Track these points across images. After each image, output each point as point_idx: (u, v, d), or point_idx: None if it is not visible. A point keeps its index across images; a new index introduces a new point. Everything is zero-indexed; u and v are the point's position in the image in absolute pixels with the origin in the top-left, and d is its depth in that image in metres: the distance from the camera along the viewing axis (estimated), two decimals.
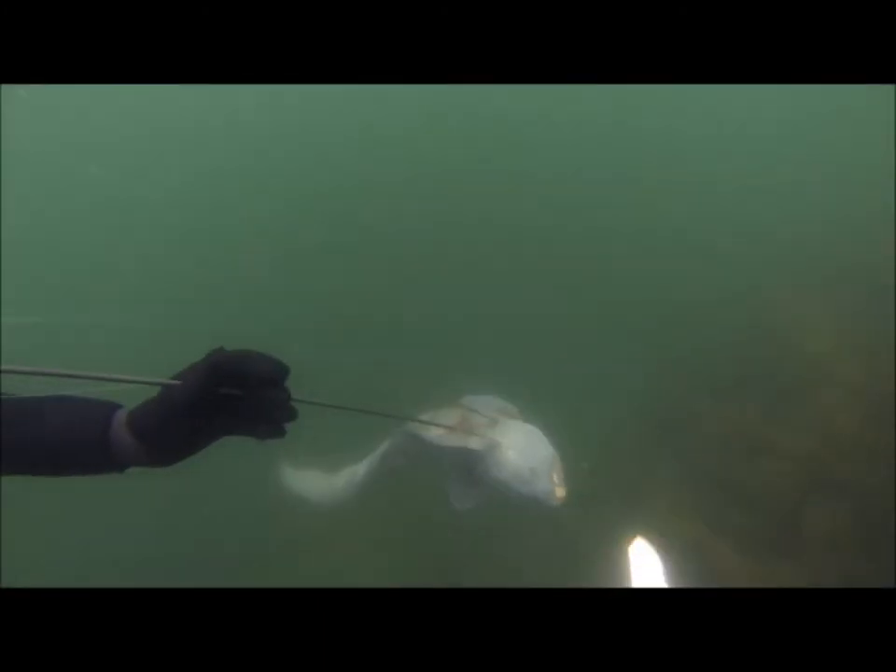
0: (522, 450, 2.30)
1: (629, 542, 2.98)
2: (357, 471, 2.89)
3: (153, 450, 0.93)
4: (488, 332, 3.99)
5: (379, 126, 6.37)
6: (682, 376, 3.85)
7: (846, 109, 5.23)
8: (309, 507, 3.10)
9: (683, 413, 3.64)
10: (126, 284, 5.18)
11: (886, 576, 2.31)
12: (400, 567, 3.17)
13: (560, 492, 2.23)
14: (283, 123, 6.85)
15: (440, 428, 2.40)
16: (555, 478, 2.25)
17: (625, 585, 2.71)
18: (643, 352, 3.87)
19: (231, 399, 0.91)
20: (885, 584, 1.73)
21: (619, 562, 2.90)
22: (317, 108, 6.58)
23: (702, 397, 3.68)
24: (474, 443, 2.38)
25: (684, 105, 5.89)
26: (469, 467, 2.42)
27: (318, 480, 3.14)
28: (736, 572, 2.81)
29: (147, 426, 0.93)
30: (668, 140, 5.93)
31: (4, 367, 0.78)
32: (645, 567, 2.82)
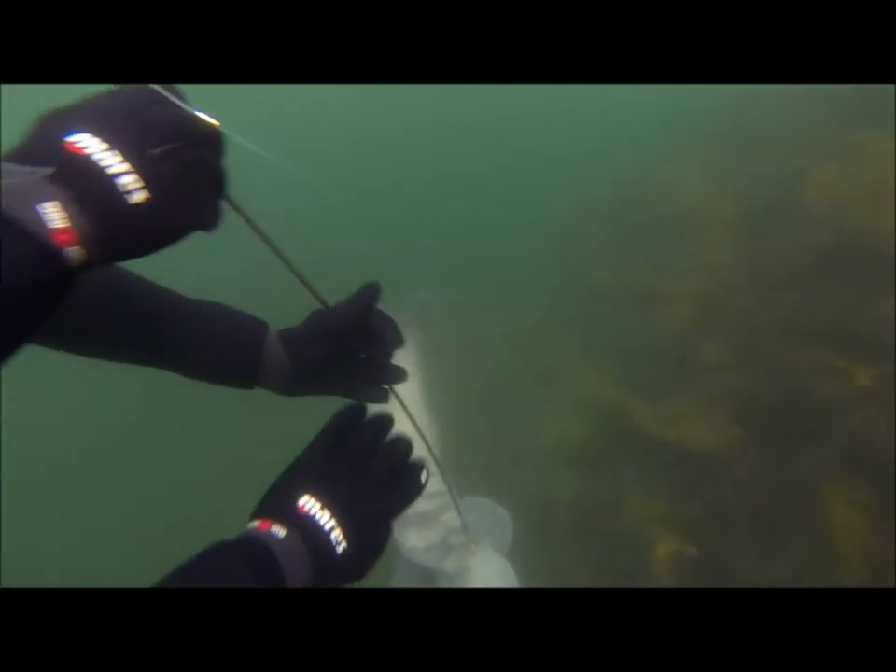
0: (502, 580, 2.22)
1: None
2: None
3: (300, 371, 0.93)
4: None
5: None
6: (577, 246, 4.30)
7: None
8: None
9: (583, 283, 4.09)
10: None
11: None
12: None
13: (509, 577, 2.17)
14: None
15: (417, 539, 2.33)
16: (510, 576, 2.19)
17: None
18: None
19: (362, 349, 0.92)
20: (885, 584, 1.72)
21: None
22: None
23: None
24: (448, 565, 2.30)
25: None
26: (430, 580, 2.36)
27: None
28: (648, 419, 3.00)
29: (299, 345, 0.93)
30: None
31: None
32: None
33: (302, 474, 0.78)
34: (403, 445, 0.87)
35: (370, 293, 0.93)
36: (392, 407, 0.98)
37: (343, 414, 0.84)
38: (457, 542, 2.32)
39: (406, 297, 3.39)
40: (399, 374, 0.97)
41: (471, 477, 2.29)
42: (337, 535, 0.73)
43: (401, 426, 0.91)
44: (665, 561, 2.49)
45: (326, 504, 0.74)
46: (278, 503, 0.75)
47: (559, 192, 4.67)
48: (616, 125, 5.05)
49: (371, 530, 0.78)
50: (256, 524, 0.73)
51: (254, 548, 0.71)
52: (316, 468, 0.78)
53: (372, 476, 0.80)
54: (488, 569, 2.27)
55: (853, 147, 3.62)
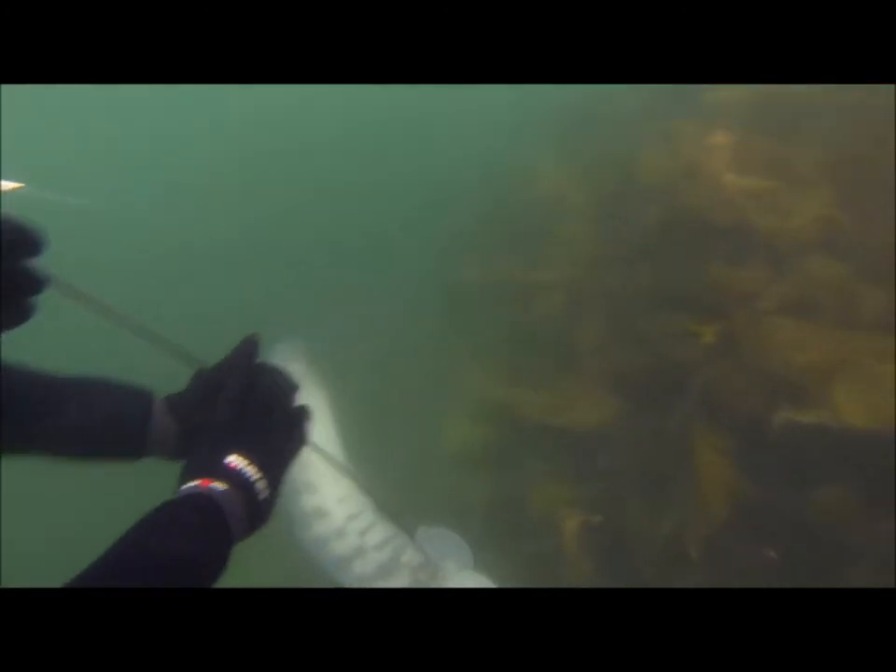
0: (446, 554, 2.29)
1: None
2: None
3: (188, 435, 0.96)
4: None
5: None
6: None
7: None
8: None
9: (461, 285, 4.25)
10: None
11: None
12: None
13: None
14: None
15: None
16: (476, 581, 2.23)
17: None
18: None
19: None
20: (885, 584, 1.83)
21: None
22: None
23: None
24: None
25: None
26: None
27: None
28: (539, 410, 3.20)
29: (186, 409, 0.96)
30: None
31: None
32: None
33: (221, 435, 0.92)
34: (292, 393, 1.00)
35: (248, 347, 0.96)
36: (311, 450, 1.04)
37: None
38: (425, 577, 2.37)
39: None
40: (304, 414, 1.00)
41: (385, 494, 2.38)
42: (260, 485, 0.89)
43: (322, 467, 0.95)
44: (573, 534, 2.69)
45: (251, 460, 0.89)
46: (211, 463, 0.89)
47: (427, 195, 4.81)
48: (476, 127, 5.22)
49: (280, 479, 0.93)
50: (196, 482, 0.86)
51: (200, 498, 0.85)
52: (230, 429, 0.92)
53: (275, 430, 0.95)
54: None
55: (673, 132, 4.03)
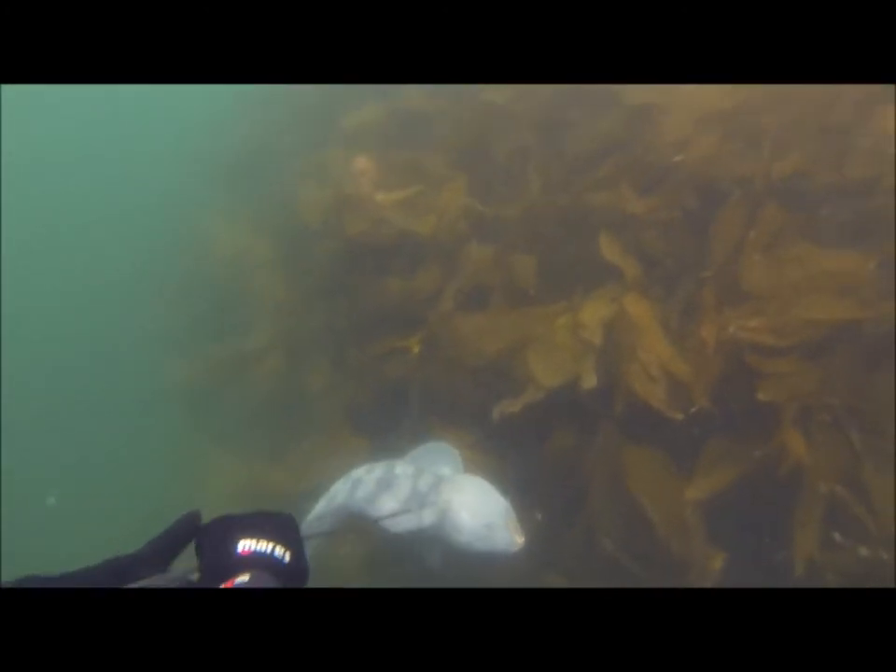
0: (474, 508, 2.30)
1: None
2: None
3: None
4: None
5: None
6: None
7: None
8: None
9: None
10: None
11: None
12: None
13: (519, 538, 2.24)
14: None
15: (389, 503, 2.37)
16: (511, 526, 2.26)
17: None
18: None
19: None
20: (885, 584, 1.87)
21: None
22: None
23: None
24: (427, 517, 2.33)
25: None
26: (428, 539, 2.38)
27: None
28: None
29: None
30: None
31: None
32: None
33: (226, 531, 0.94)
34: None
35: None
36: None
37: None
38: (424, 485, 2.39)
39: None
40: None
41: None
42: (279, 552, 0.92)
43: None
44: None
45: (258, 538, 0.92)
46: (223, 563, 0.90)
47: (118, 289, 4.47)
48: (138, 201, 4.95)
49: (297, 541, 0.97)
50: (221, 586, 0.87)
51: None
52: (230, 525, 0.95)
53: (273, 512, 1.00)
54: (466, 490, 2.36)
55: (326, 163, 4.15)
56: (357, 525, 2.62)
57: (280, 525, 0.97)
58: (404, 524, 2.36)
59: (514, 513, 2.31)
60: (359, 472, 2.61)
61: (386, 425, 3.03)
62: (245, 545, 0.91)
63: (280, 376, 3.81)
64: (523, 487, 2.55)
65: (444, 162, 3.55)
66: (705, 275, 2.51)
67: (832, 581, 2.01)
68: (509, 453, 2.73)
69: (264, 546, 0.91)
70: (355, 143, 4.14)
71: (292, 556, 0.92)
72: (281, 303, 4.01)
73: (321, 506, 2.67)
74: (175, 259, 4.95)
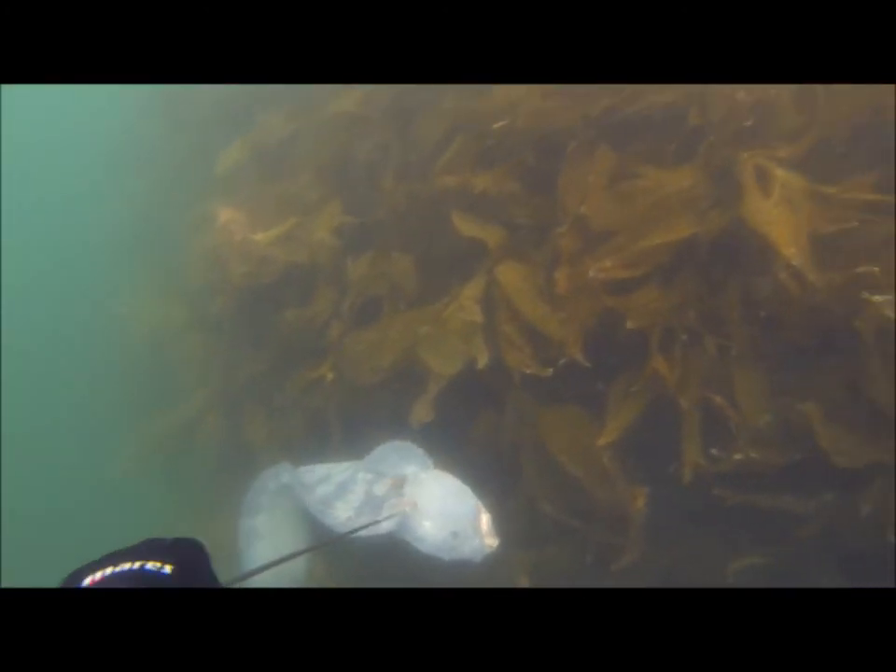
0: (439, 514, 2.13)
1: None
2: None
3: None
4: None
5: None
6: None
7: None
8: None
9: None
10: None
11: None
12: None
13: (490, 541, 2.08)
14: None
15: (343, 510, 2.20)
16: (483, 528, 2.09)
17: None
18: None
19: None
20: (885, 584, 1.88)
21: None
22: None
23: None
24: (387, 526, 2.13)
25: None
26: (388, 548, 2.21)
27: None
28: None
29: None
30: None
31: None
32: None
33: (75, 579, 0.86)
34: None
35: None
36: None
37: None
38: (381, 489, 2.22)
39: None
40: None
41: None
42: (151, 564, 0.86)
43: None
44: None
45: (117, 562, 0.86)
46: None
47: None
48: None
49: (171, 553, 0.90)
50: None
51: None
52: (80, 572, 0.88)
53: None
54: (430, 493, 2.19)
55: (205, 215, 4.13)
56: (311, 534, 2.48)
57: (153, 547, 0.92)
58: (362, 532, 2.15)
59: (485, 512, 2.16)
60: (318, 472, 2.46)
61: (322, 456, 3.07)
62: (99, 574, 0.85)
63: (223, 434, 3.83)
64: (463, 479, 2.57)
65: (312, 183, 3.55)
66: (560, 230, 2.54)
67: (717, 491, 2.08)
68: (437, 450, 2.77)
69: (126, 567, 0.85)
70: (230, 186, 4.14)
71: (174, 567, 0.87)
72: (205, 363, 4.02)
73: (251, 495, 2.55)
74: (98, 340, 4.96)
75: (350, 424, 3.04)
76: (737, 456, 2.01)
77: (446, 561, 2.12)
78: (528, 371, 2.40)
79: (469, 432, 2.78)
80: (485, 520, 2.14)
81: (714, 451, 2.05)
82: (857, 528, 1.99)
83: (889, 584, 1.88)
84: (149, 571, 0.85)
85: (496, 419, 2.71)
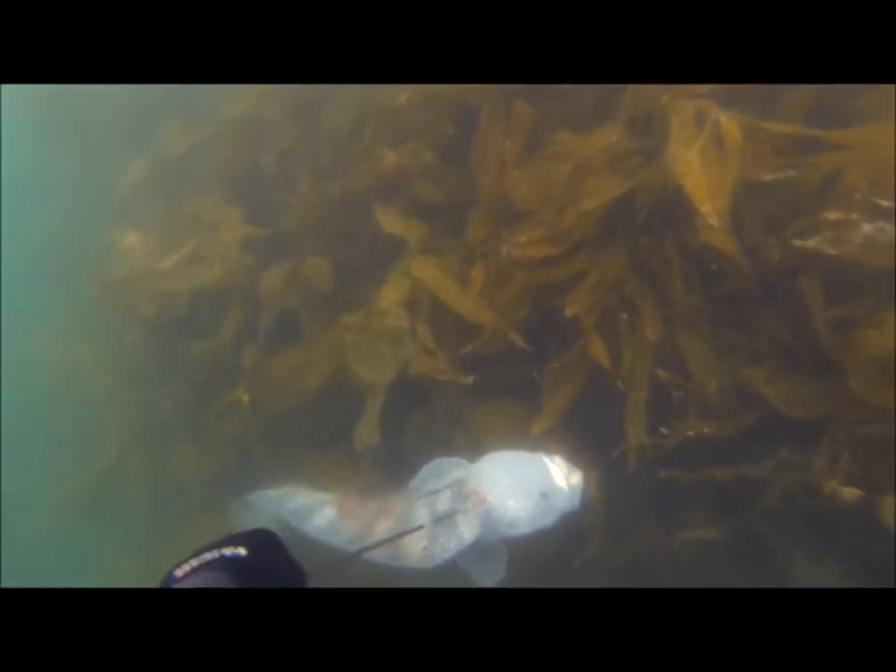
0: (516, 488, 1.91)
1: None
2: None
3: None
4: None
5: None
6: None
7: None
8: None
9: None
10: None
11: None
12: None
13: (575, 478, 1.91)
14: None
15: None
16: (563, 473, 1.91)
17: None
18: None
19: None
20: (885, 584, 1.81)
21: None
22: None
23: None
24: (469, 534, 1.88)
25: None
26: (480, 554, 1.95)
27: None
28: None
29: None
30: None
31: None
32: None
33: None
34: None
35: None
36: None
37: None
38: (445, 504, 1.97)
39: None
40: None
41: None
42: (228, 550, 0.96)
43: None
44: None
45: (200, 553, 0.96)
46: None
47: None
48: None
49: (245, 539, 1.00)
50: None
51: None
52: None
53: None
54: (493, 477, 1.97)
55: (111, 243, 3.85)
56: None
57: (229, 538, 1.00)
58: (438, 556, 1.90)
59: (550, 456, 1.97)
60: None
61: (255, 482, 2.83)
62: (184, 565, 0.92)
63: (149, 475, 3.57)
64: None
65: (216, 200, 3.32)
66: (479, 209, 2.37)
67: (668, 472, 1.94)
68: (387, 467, 2.54)
69: (208, 557, 0.94)
70: (131, 209, 3.89)
71: (249, 550, 0.97)
72: (123, 401, 3.74)
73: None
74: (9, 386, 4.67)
75: (278, 448, 2.81)
76: (689, 433, 1.86)
77: (548, 525, 1.92)
78: (443, 378, 2.20)
79: (411, 441, 2.58)
80: (557, 462, 1.97)
81: (663, 429, 1.90)
82: (812, 487, 1.85)
83: (848, 550, 1.84)
84: (227, 556, 0.95)
85: (426, 421, 2.52)
